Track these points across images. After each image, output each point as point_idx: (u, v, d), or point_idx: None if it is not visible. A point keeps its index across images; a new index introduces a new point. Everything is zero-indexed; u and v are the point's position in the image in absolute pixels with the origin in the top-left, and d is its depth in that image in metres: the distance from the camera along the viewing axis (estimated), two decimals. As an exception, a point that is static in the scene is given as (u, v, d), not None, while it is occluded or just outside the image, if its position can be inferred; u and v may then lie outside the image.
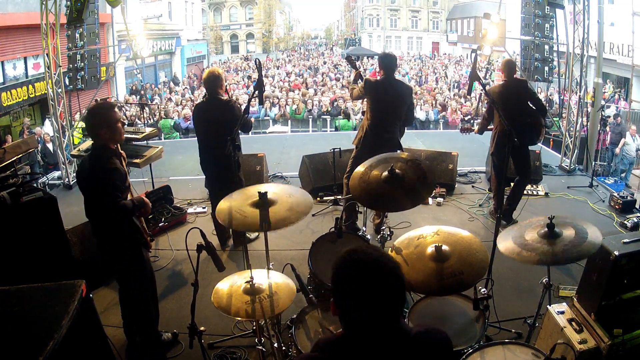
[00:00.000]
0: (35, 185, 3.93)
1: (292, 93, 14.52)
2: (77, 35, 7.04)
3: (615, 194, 5.47)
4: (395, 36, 35.52)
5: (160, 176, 6.35)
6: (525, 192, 5.27)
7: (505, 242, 2.47)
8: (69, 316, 1.54)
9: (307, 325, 2.56)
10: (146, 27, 15.63)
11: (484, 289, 2.68)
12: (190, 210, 5.54)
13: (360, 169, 2.90)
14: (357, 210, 4.62)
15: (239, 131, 3.62)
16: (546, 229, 2.39)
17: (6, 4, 10.64)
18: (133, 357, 3.19)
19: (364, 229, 4.21)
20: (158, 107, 12.30)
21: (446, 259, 2.28)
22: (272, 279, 2.55)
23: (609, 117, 9.25)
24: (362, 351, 1.26)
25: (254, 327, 2.94)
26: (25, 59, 11.56)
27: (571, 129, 7.04)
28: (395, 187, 2.69)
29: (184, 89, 16.96)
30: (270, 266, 2.76)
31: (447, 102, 13.07)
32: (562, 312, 2.68)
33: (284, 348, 2.63)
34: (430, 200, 5.64)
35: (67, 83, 7.23)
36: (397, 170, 2.70)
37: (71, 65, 7.17)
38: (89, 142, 5.91)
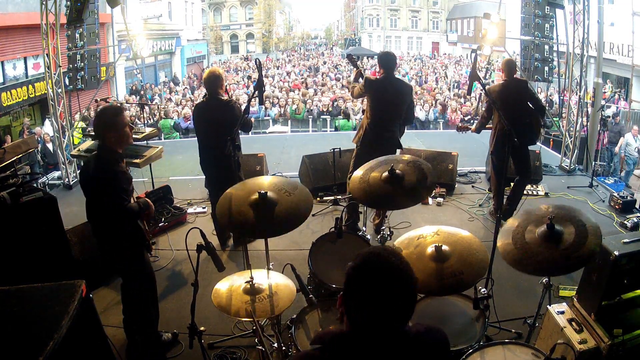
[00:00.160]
0: (35, 185, 3.93)
1: (292, 93, 14.52)
2: (77, 35, 7.03)
3: (615, 194, 5.47)
4: (395, 36, 35.51)
5: (160, 176, 6.34)
6: (525, 192, 5.27)
7: (505, 245, 2.45)
8: (69, 316, 1.54)
9: (307, 325, 2.56)
10: (146, 27, 15.63)
11: (484, 289, 2.68)
12: (190, 210, 5.54)
13: (358, 172, 2.90)
14: (358, 211, 4.62)
15: (239, 131, 3.62)
16: (545, 228, 2.37)
17: (6, 4, 10.64)
18: (133, 357, 3.19)
19: (364, 229, 4.21)
20: (158, 107, 12.30)
21: (446, 259, 2.29)
22: (272, 279, 2.55)
23: (608, 117, 9.25)
24: (363, 350, 1.26)
25: (254, 327, 2.94)
26: (25, 59, 11.56)
27: (571, 129, 7.04)
28: (395, 187, 2.70)
29: (184, 89, 16.96)
30: (270, 266, 2.77)
31: (447, 102, 13.07)
32: (562, 312, 2.68)
33: (284, 348, 2.63)
34: (430, 200, 5.64)
35: (67, 83, 7.23)
36: (397, 171, 2.71)
37: (71, 65, 7.16)
38: (89, 142, 5.91)
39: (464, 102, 12.96)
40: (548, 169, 6.82)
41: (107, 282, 3.88)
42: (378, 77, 4.38)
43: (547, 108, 7.45)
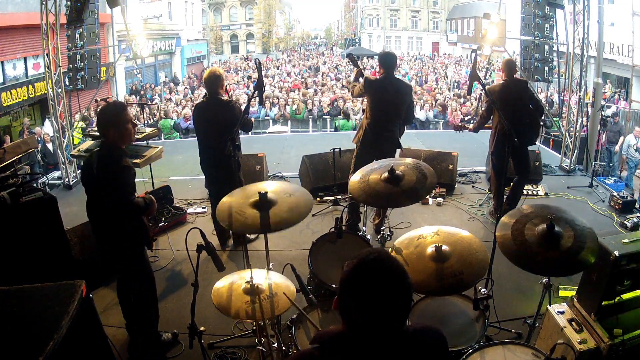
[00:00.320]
0: (35, 185, 3.93)
1: (292, 93, 14.52)
2: (77, 35, 7.03)
3: (615, 194, 5.47)
4: (395, 36, 35.52)
5: (160, 176, 6.34)
6: (525, 191, 5.27)
7: (504, 240, 2.44)
8: (69, 316, 1.54)
9: (307, 325, 2.56)
10: (146, 27, 15.63)
11: (484, 289, 2.68)
12: (190, 210, 5.54)
13: (356, 177, 2.91)
14: (358, 211, 4.62)
15: (240, 131, 3.62)
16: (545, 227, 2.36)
17: (6, 4, 10.64)
18: (133, 356, 3.19)
19: (364, 229, 4.21)
20: (158, 107, 12.29)
21: (446, 259, 2.28)
22: (272, 279, 2.55)
23: (608, 117, 9.24)
24: (360, 350, 1.26)
25: (254, 327, 2.94)
26: (25, 59, 11.56)
27: (571, 129, 7.04)
28: (395, 187, 2.70)
29: (185, 89, 16.96)
30: (270, 266, 2.77)
31: (447, 102, 13.07)
32: (562, 312, 2.68)
33: (284, 348, 2.63)
34: (430, 200, 5.64)
35: (67, 83, 7.23)
36: (397, 172, 2.71)
37: (71, 65, 7.16)
38: (89, 142, 5.91)
39: (464, 102, 12.97)
40: (548, 169, 6.82)
41: (107, 282, 3.88)
42: (378, 77, 4.38)
43: (547, 108, 7.46)
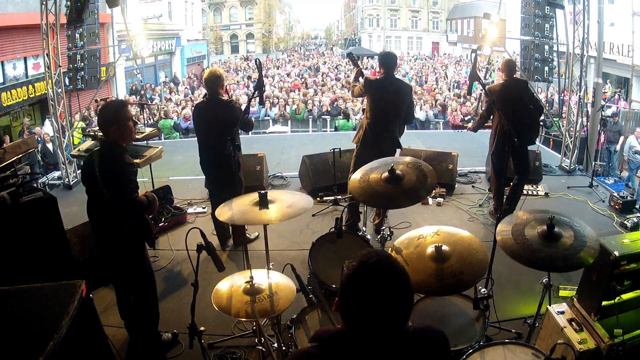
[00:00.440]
0: (35, 185, 3.93)
1: (292, 93, 14.52)
2: (77, 35, 7.03)
3: (615, 194, 5.47)
4: (395, 36, 35.53)
5: (160, 176, 6.34)
6: (525, 191, 5.27)
7: (504, 238, 2.44)
8: (69, 316, 1.54)
9: (307, 325, 2.56)
10: (146, 27, 15.62)
11: (484, 289, 2.68)
12: (190, 210, 5.54)
13: (356, 176, 2.91)
14: (358, 211, 4.62)
15: (240, 130, 3.62)
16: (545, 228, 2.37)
17: (6, 4, 10.64)
18: (133, 356, 3.19)
19: (364, 229, 4.21)
20: (158, 107, 12.29)
21: (446, 259, 2.28)
22: (272, 279, 2.55)
23: (608, 117, 9.24)
24: (361, 350, 1.26)
25: (254, 327, 2.94)
26: (25, 59, 11.56)
27: (571, 129, 7.04)
28: (395, 187, 2.70)
29: (185, 89, 16.96)
30: (270, 266, 2.77)
31: (447, 102, 13.07)
32: (562, 312, 2.68)
33: (284, 348, 2.63)
34: (430, 200, 5.64)
35: (67, 83, 7.23)
36: (397, 171, 2.71)
37: (71, 65, 7.16)
38: (89, 142, 5.91)
39: (464, 102, 12.96)
40: (548, 169, 6.82)
41: (107, 282, 3.88)
42: (378, 77, 4.38)
43: (547, 108, 7.45)
